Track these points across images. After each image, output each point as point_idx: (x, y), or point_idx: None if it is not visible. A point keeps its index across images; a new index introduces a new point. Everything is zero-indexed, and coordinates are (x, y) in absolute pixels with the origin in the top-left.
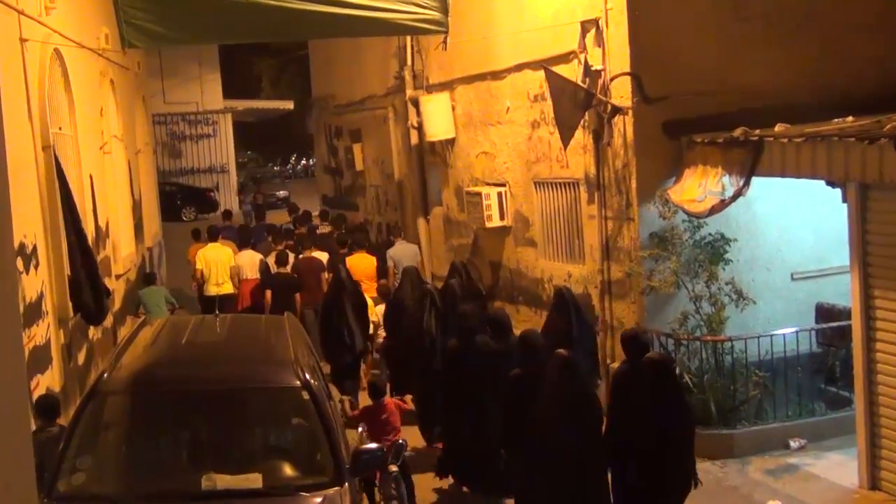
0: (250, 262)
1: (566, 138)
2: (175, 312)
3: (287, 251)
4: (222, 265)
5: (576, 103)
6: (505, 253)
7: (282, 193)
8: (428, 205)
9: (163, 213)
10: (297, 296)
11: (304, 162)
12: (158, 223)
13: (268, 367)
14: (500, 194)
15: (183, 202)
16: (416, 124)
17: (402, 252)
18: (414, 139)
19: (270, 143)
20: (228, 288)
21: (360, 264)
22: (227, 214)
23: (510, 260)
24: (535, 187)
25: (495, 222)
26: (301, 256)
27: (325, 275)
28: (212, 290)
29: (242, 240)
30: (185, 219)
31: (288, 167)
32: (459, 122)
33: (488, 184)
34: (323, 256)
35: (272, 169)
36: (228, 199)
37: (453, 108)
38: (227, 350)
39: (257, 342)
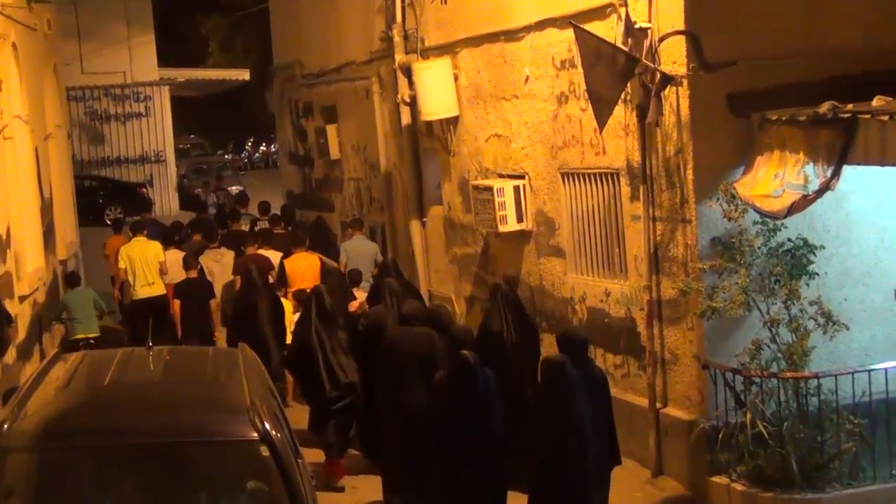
0: (176, 263)
1: (603, 117)
2: (103, 318)
3: (194, 252)
4: (149, 262)
5: (615, 71)
6: (524, 265)
7: (235, 189)
8: (423, 203)
9: (81, 215)
10: (213, 303)
11: (263, 148)
12: (75, 228)
13: (216, 416)
14: (517, 189)
15: (107, 201)
16: (407, 99)
17: (358, 248)
18: (405, 118)
19: (220, 124)
20: (160, 288)
21: (301, 264)
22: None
23: (531, 274)
24: (563, 180)
25: (511, 226)
26: (245, 255)
27: (275, 275)
28: (141, 291)
29: (165, 238)
30: (109, 222)
31: (243, 155)
32: (464, 97)
33: (502, 176)
34: (275, 256)
35: (222, 158)
36: (166, 196)
37: (456, 79)
38: (164, 393)
39: (203, 383)
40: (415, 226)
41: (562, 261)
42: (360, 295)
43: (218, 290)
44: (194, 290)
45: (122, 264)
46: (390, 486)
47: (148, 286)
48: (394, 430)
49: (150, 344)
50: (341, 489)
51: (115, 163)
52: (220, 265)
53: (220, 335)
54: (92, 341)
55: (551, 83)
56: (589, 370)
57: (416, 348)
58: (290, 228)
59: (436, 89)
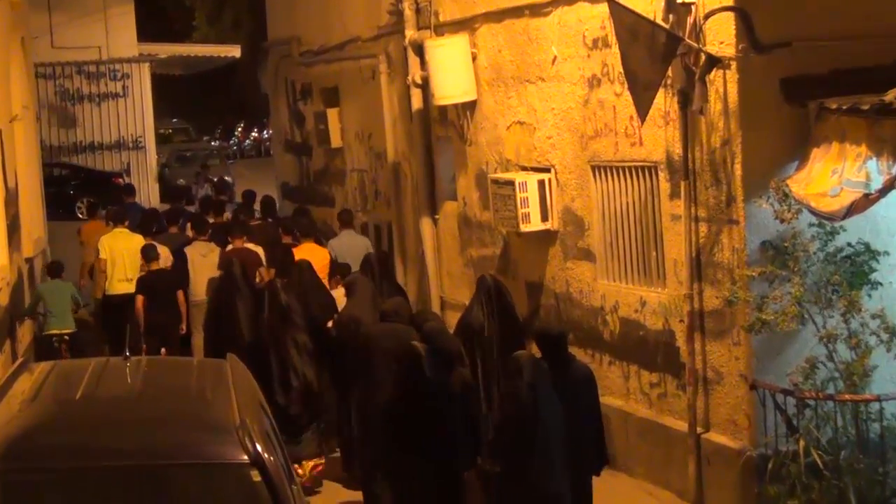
0: (160, 258)
1: (642, 104)
2: (83, 320)
3: (153, 242)
4: (131, 256)
5: (654, 52)
6: (549, 270)
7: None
8: (436, 198)
9: (50, 207)
10: (180, 294)
11: (254, 135)
12: (43, 223)
13: (201, 435)
14: (541, 184)
15: (78, 192)
16: (419, 81)
17: (347, 245)
18: (416, 103)
19: (206, 107)
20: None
21: (311, 258)
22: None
23: (556, 280)
24: (594, 174)
25: (535, 224)
26: (230, 248)
27: (264, 271)
28: (119, 286)
29: (143, 228)
30: (81, 216)
31: (231, 142)
32: (483, 79)
33: (525, 168)
34: (259, 249)
35: (208, 144)
36: (144, 186)
37: (474, 58)
38: (143, 409)
39: (187, 398)
40: (426, 224)
41: (591, 265)
42: (341, 293)
43: (201, 286)
44: (160, 282)
45: (103, 255)
46: (370, 487)
47: (126, 282)
48: (370, 429)
49: (127, 353)
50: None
51: (88, 149)
52: (206, 260)
53: (199, 334)
54: (66, 337)
55: (582, 64)
56: (569, 367)
57: (394, 345)
58: (269, 221)
59: (451, 70)
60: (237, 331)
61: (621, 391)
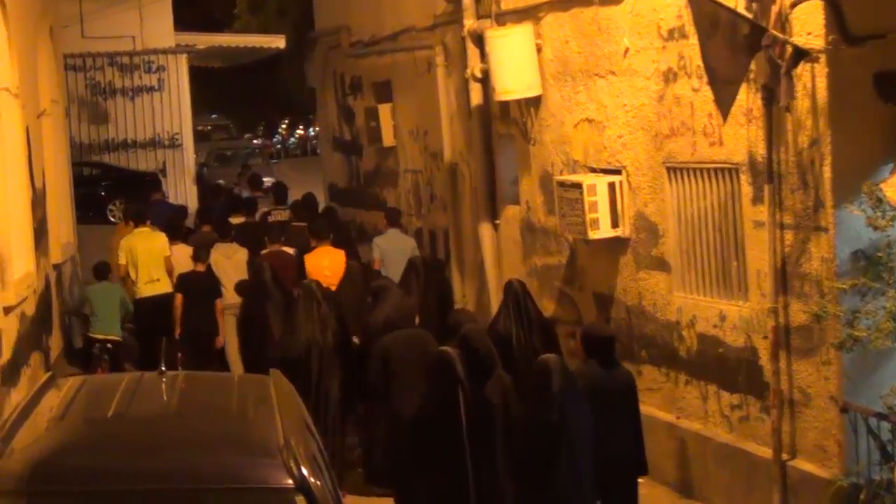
0: (183, 261)
1: (722, 100)
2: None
3: (206, 243)
4: (154, 257)
5: (736, 43)
6: (619, 280)
7: (266, 181)
8: (496, 202)
9: (79, 209)
10: (218, 302)
11: (300, 132)
12: (72, 226)
13: (243, 458)
14: (611, 187)
15: (110, 193)
16: (479, 74)
17: (394, 244)
18: (475, 98)
19: (248, 102)
20: (166, 285)
21: (323, 262)
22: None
23: (628, 292)
24: (669, 176)
25: (604, 231)
26: (265, 252)
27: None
28: (145, 289)
29: (171, 227)
30: (113, 219)
31: (275, 140)
32: (548, 72)
33: (593, 170)
34: (291, 251)
35: (250, 142)
36: (181, 187)
37: (538, 50)
38: (180, 429)
39: (227, 417)
40: (485, 230)
41: (666, 276)
42: None
43: (229, 289)
44: (199, 285)
45: (122, 259)
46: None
47: (153, 283)
48: (395, 442)
49: (163, 368)
50: None
51: (120, 147)
52: (231, 262)
53: (231, 340)
54: (110, 345)
55: (656, 57)
56: (613, 372)
57: (416, 353)
58: (308, 218)
59: (513, 63)
60: (269, 340)
61: (699, 414)
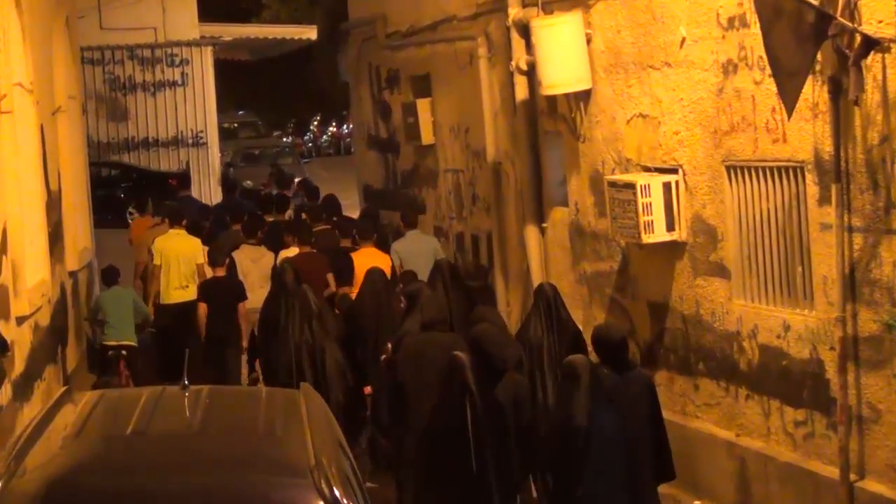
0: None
1: (787, 93)
2: (145, 332)
3: (222, 246)
4: (187, 261)
5: (801, 33)
6: (675, 288)
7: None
8: (543, 204)
9: (97, 212)
10: (241, 306)
11: (332, 129)
12: (90, 231)
13: (271, 478)
14: (667, 187)
15: (130, 195)
16: (524, 67)
17: (414, 247)
18: (521, 92)
19: (277, 97)
20: (194, 293)
21: (368, 265)
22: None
23: (684, 300)
24: (729, 175)
25: (659, 235)
26: (291, 252)
27: (332, 278)
28: (174, 295)
29: (193, 228)
30: (132, 223)
31: (306, 138)
32: (599, 64)
33: (648, 169)
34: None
35: (279, 140)
36: (206, 188)
37: (588, 40)
38: (204, 448)
39: (254, 435)
40: (531, 233)
41: (725, 282)
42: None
43: (256, 294)
44: (221, 291)
45: (157, 260)
46: None
47: (182, 289)
48: (416, 449)
49: (186, 382)
50: None
51: (141, 146)
52: (258, 266)
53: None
54: (125, 352)
55: (715, 47)
56: (628, 375)
57: (439, 357)
58: (335, 221)
59: (561, 54)
60: (287, 351)
61: (760, 431)
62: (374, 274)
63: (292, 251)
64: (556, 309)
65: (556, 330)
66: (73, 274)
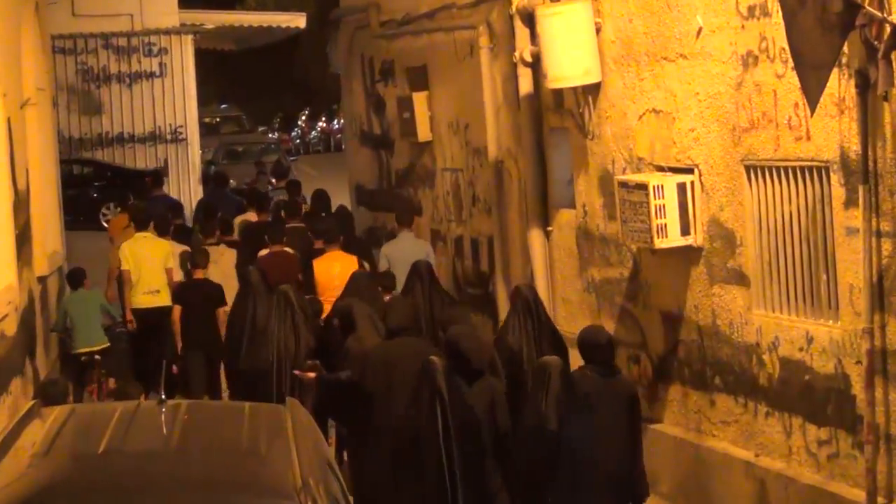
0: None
1: (811, 87)
2: (116, 332)
3: (202, 246)
4: (156, 265)
5: (827, 23)
6: (690, 296)
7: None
8: (549, 206)
9: (69, 214)
10: (220, 311)
11: (322, 125)
12: (60, 233)
13: (254, 500)
14: (682, 188)
15: (104, 195)
16: (528, 58)
17: (403, 250)
18: (525, 86)
19: (263, 90)
20: (166, 298)
21: (334, 269)
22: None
23: (700, 309)
24: (749, 176)
25: (673, 239)
26: (266, 252)
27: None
28: (142, 300)
29: (158, 225)
30: (106, 224)
31: (294, 134)
32: (609, 55)
33: (661, 168)
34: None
35: (265, 136)
36: (185, 187)
37: (597, 30)
38: (182, 468)
39: (236, 453)
40: (535, 237)
41: (744, 291)
42: None
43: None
44: (198, 295)
45: (125, 265)
46: None
47: (151, 294)
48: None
49: (163, 396)
50: None
51: (116, 142)
52: (217, 267)
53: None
54: (97, 356)
55: (734, 37)
56: (612, 380)
57: (409, 362)
58: (318, 217)
59: (569, 44)
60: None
61: (781, 450)
62: (359, 279)
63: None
64: (537, 312)
65: (536, 336)
66: (41, 279)
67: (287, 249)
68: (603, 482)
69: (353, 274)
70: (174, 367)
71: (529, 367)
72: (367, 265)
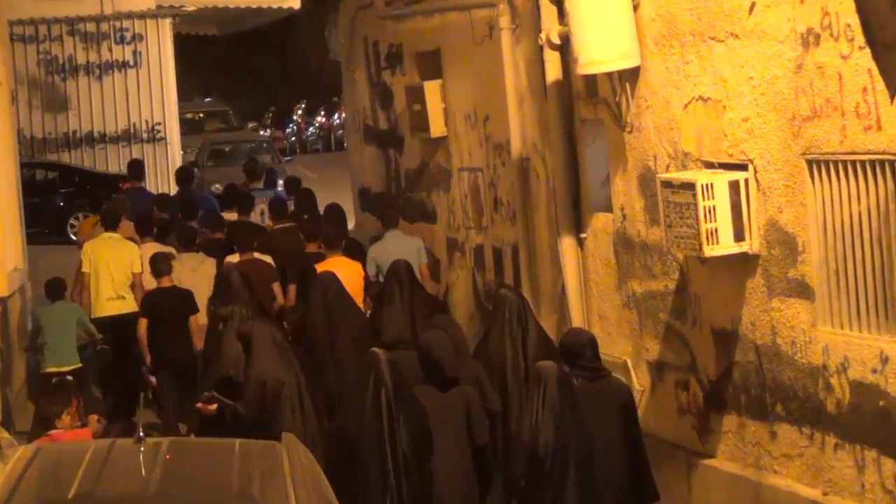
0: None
1: (884, 71)
2: (97, 350)
3: (165, 253)
4: (121, 268)
5: None
6: (746, 312)
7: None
8: (581, 209)
9: (31, 224)
10: (192, 320)
11: (320, 120)
12: (21, 248)
13: None
14: (734, 187)
15: (72, 203)
16: (556, 40)
17: (392, 251)
18: (553, 72)
19: (252, 80)
20: (131, 304)
21: (339, 275)
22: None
23: (757, 326)
24: (811, 172)
25: (725, 246)
26: (238, 259)
27: (278, 288)
28: (105, 307)
29: (140, 224)
30: (75, 238)
31: (288, 130)
32: (649, 35)
33: (710, 165)
34: (266, 260)
35: (255, 134)
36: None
37: (635, 6)
38: None
39: (225, 498)
40: (567, 245)
41: (808, 304)
42: None
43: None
44: (167, 305)
45: (85, 266)
46: None
47: (117, 300)
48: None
49: (141, 433)
50: None
51: (85, 142)
52: (196, 275)
53: None
54: (69, 376)
55: (792, 13)
56: (600, 383)
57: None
58: (304, 219)
59: (602, 23)
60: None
61: (853, 487)
62: (325, 280)
63: (234, 257)
64: (524, 319)
65: (522, 343)
66: (1, 301)
67: (260, 257)
68: (601, 493)
69: (317, 275)
70: (152, 379)
71: (514, 379)
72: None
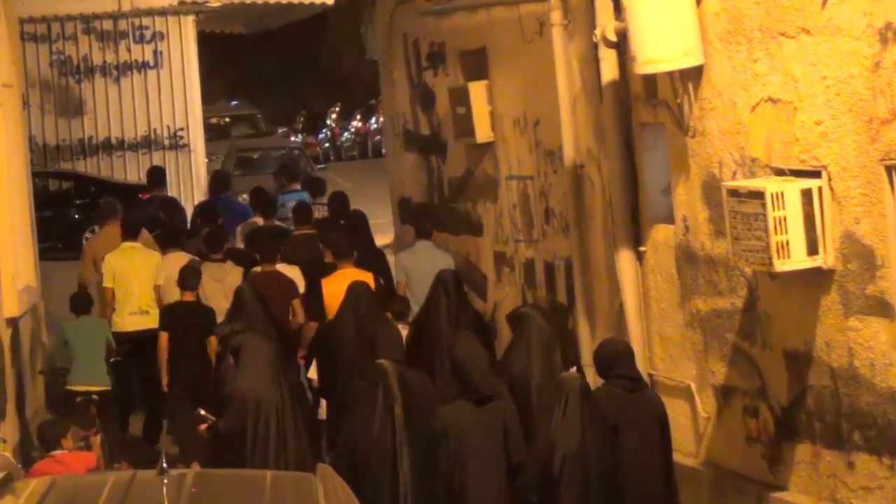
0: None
1: None
2: (111, 362)
3: (197, 259)
4: (144, 280)
5: None
6: (820, 331)
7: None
8: (640, 220)
9: (44, 239)
10: (212, 340)
11: (356, 124)
12: (34, 264)
13: None
14: (807, 196)
15: (88, 215)
16: (612, 37)
17: (422, 261)
18: (609, 71)
19: (283, 82)
20: (155, 320)
21: (343, 291)
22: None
23: (833, 347)
24: (891, 179)
25: (797, 260)
26: (256, 270)
27: (298, 305)
28: (128, 322)
29: (168, 234)
30: None
31: (322, 136)
32: (713, 31)
33: (780, 172)
34: (293, 272)
35: (285, 139)
36: (188, 203)
37: (698, 2)
38: None
39: None
40: (625, 260)
41: (888, 324)
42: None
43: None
44: (187, 320)
45: (107, 282)
46: None
47: (138, 315)
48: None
49: (164, 464)
50: None
51: (102, 149)
52: (223, 286)
53: None
54: (95, 396)
55: (868, 6)
56: (636, 396)
57: None
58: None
59: (662, 19)
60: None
61: None
62: (357, 289)
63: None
64: (549, 336)
65: (549, 364)
66: (11, 321)
67: (284, 269)
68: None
69: (350, 284)
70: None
71: (537, 397)
72: (382, 282)
